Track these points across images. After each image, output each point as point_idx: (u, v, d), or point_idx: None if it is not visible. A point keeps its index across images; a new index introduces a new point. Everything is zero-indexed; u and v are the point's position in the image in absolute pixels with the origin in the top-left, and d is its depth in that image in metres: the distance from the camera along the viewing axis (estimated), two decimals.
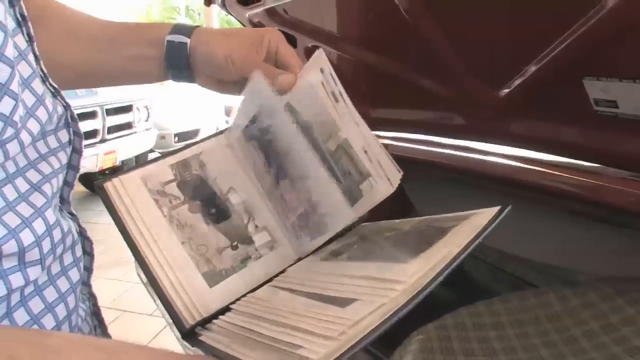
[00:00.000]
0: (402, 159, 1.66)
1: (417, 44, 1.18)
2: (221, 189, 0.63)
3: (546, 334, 1.01)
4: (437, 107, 1.40)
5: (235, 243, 0.60)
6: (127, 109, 4.78)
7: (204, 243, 0.58)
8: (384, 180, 0.62)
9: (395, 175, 0.63)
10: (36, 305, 0.39)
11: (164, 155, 0.63)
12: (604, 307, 1.04)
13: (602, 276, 1.21)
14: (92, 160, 4.49)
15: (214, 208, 0.61)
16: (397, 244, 0.60)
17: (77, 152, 0.51)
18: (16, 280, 0.37)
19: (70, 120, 0.50)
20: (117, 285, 3.35)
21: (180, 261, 0.54)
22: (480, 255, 1.67)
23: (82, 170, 3.72)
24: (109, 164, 4.82)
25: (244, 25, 1.66)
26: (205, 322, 0.54)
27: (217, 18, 10.53)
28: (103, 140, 4.54)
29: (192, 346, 0.48)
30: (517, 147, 1.22)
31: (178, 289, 0.52)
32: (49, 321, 0.40)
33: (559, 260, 1.37)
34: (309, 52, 1.61)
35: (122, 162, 5.05)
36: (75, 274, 0.47)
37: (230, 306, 0.55)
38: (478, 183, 1.54)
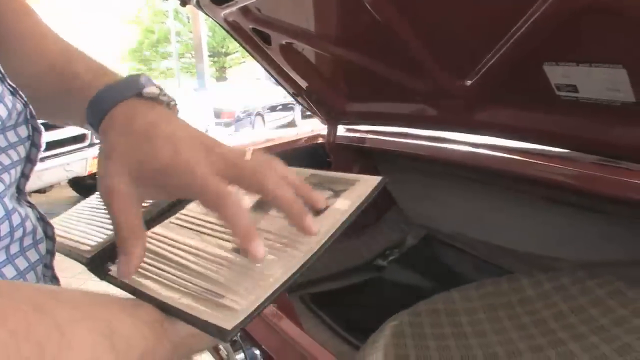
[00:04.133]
0: (380, 152, 1.69)
1: (386, 39, 1.20)
2: None
3: (517, 317, 1.03)
4: (409, 100, 1.41)
5: None
6: None
7: None
8: None
9: None
10: None
11: None
12: (574, 290, 1.05)
13: (582, 263, 1.23)
14: (81, 164, 4.52)
15: None
16: None
17: (35, 146, 0.52)
18: None
19: (29, 117, 0.51)
20: (105, 288, 3.34)
21: None
22: (465, 247, 1.70)
23: (72, 174, 3.72)
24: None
25: (220, 26, 1.67)
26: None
27: (204, 23, 10.54)
28: (91, 145, 4.57)
29: (101, 279, 0.49)
30: (487, 136, 1.24)
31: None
32: None
33: (542, 249, 1.39)
34: (283, 50, 1.62)
35: None
36: (33, 255, 0.49)
37: None
38: (455, 173, 1.57)
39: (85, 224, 0.63)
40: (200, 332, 0.41)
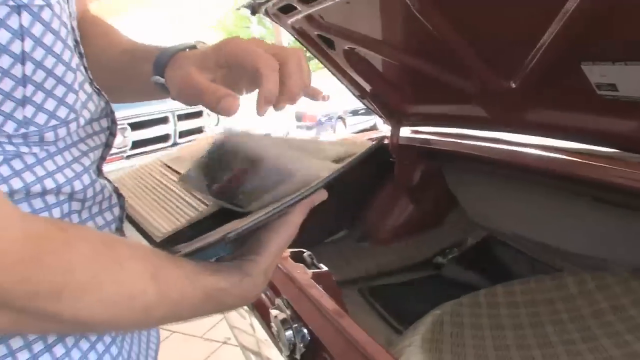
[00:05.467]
0: (443, 153, 1.73)
1: (437, 44, 1.25)
2: None
3: (556, 313, 1.05)
4: (463, 101, 1.45)
5: None
6: (197, 114, 5.03)
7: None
8: None
9: None
10: None
11: None
12: (617, 289, 1.06)
13: (633, 264, 1.22)
14: None
15: None
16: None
17: (112, 134, 0.67)
18: (62, 210, 0.54)
19: (109, 112, 0.65)
20: None
21: None
22: (522, 248, 1.71)
23: None
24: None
25: (289, 32, 1.79)
26: None
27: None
28: (175, 144, 4.83)
29: None
30: (537, 136, 1.26)
31: None
32: None
33: (594, 250, 1.38)
34: (347, 54, 1.71)
35: None
36: (108, 216, 0.63)
37: None
38: (514, 175, 1.58)
39: (151, 199, 0.75)
40: (226, 287, 0.53)
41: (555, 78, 1.06)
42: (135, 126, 4.00)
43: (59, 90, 0.51)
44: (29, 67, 0.46)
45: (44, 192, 0.51)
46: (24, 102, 0.47)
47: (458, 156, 1.73)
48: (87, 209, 0.59)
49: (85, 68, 0.60)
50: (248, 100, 0.70)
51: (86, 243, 0.44)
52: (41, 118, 0.50)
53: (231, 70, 0.63)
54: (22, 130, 0.48)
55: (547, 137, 1.23)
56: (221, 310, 0.57)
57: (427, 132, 1.86)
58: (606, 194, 1.21)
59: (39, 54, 0.47)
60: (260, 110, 0.59)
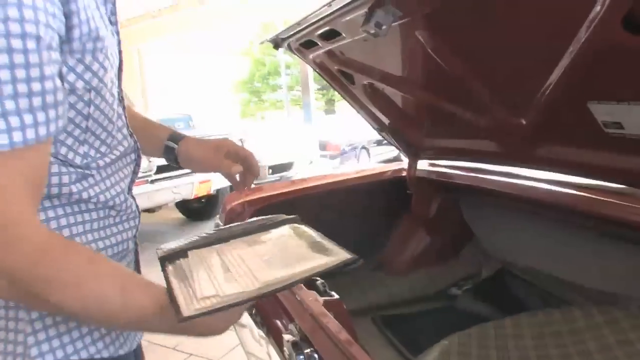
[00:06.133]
0: (460, 186, 1.77)
1: (452, 81, 1.29)
2: None
3: (564, 346, 1.07)
4: (478, 136, 1.49)
5: None
6: None
7: None
8: None
9: None
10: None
11: None
12: (625, 324, 1.07)
13: None
14: (188, 188, 4.83)
15: None
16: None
17: (138, 165, 0.88)
18: (99, 214, 0.76)
19: (137, 148, 0.87)
20: None
21: None
22: (535, 281, 1.71)
23: (179, 198, 4.10)
24: (203, 192, 5.15)
25: (310, 66, 1.86)
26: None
27: None
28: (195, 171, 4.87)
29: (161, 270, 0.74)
30: (544, 170, 1.29)
31: None
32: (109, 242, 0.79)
33: (606, 285, 1.39)
34: (366, 89, 1.77)
35: (217, 190, 5.39)
36: (132, 223, 0.85)
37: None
38: (529, 209, 1.61)
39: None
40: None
41: (564, 115, 1.10)
42: None
43: (109, 127, 0.75)
44: (92, 109, 0.70)
45: (97, 202, 0.74)
46: (84, 141, 0.71)
47: (474, 190, 1.76)
48: (119, 216, 0.81)
49: (125, 117, 0.83)
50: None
51: (77, 256, 0.62)
52: (96, 151, 0.74)
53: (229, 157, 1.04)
54: (85, 161, 0.72)
55: (557, 172, 1.26)
56: (177, 332, 0.68)
57: (444, 166, 1.90)
58: (615, 229, 1.23)
59: (98, 101, 0.70)
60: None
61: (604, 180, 1.17)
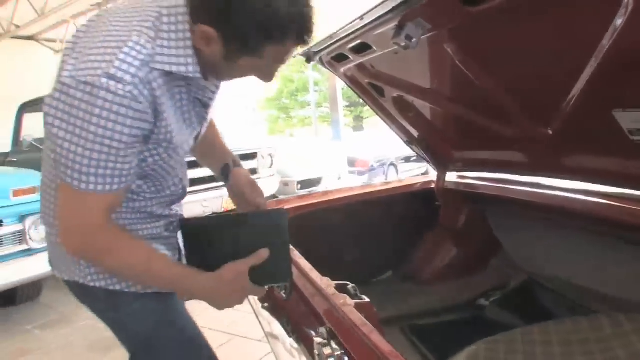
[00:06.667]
0: (488, 198, 1.79)
1: (480, 93, 1.33)
2: None
3: (591, 354, 1.08)
4: (505, 148, 1.52)
5: None
6: (251, 156, 5.21)
7: None
8: None
9: None
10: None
11: None
12: None
13: None
14: (217, 201, 4.90)
15: None
16: None
17: (182, 199, 1.20)
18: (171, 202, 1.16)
19: (184, 192, 1.20)
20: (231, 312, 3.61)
21: None
22: (562, 291, 1.72)
23: (208, 210, 4.18)
24: (232, 206, 5.22)
25: (341, 79, 1.91)
26: None
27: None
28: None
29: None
30: (571, 180, 1.31)
31: None
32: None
33: (633, 293, 1.39)
34: (396, 101, 1.81)
35: None
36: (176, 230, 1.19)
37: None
38: (555, 219, 1.62)
39: None
40: (188, 275, 1.03)
41: (589, 124, 1.12)
42: (190, 164, 4.21)
43: (164, 182, 1.10)
44: (154, 171, 1.06)
45: (144, 212, 1.10)
46: (142, 180, 1.06)
47: (502, 200, 1.78)
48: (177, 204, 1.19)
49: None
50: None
51: (123, 240, 0.99)
52: (148, 188, 1.08)
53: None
54: (138, 190, 1.06)
55: (584, 181, 1.28)
56: (183, 290, 1.07)
57: (472, 177, 1.92)
58: None
59: (161, 169, 1.05)
60: None
61: (630, 188, 1.18)
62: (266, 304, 1.78)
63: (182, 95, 1.00)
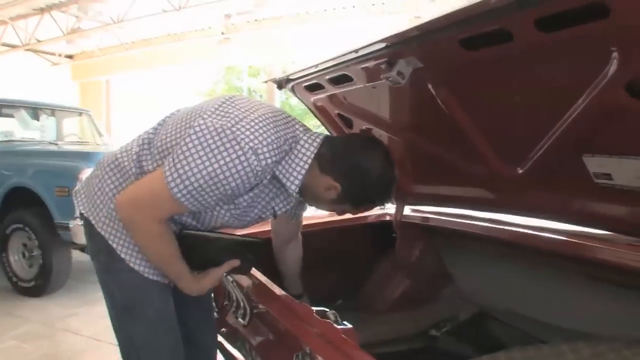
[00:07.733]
0: (441, 231, 1.87)
1: (451, 129, 1.40)
2: None
3: None
4: (469, 184, 1.60)
5: None
6: None
7: None
8: None
9: None
10: None
11: None
12: (610, 356, 1.17)
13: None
14: None
15: None
16: None
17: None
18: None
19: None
20: None
21: None
22: (514, 323, 1.81)
23: None
24: None
25: (309, 109, 1.95)
26: None
27: (278, 100, 11.05)
28: None
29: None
30: (537, 218, 1.41)
31: None
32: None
33: (585, 326, 1.50)
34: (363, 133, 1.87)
35: None
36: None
37: None
38: (508, 253, 1.72)
39: None
40: (183, 274, 1.27)
41: (558, 166, 1.22)
42: None
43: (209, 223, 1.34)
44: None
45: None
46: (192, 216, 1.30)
47: (455, 234, 1.86)
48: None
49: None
50: None
51: (159, 238, 1.19)
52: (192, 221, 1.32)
53: None
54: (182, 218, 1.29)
55: (547, 219, 1.38)
56: (177, 280, 1.28)
57: (429, 212, 2.01)
58: (598, 273, 1.35)
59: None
60: None
61: (588, 227, 1.29)
62: (223, 329, 1.76)
63: (271, 189, 1.27)
